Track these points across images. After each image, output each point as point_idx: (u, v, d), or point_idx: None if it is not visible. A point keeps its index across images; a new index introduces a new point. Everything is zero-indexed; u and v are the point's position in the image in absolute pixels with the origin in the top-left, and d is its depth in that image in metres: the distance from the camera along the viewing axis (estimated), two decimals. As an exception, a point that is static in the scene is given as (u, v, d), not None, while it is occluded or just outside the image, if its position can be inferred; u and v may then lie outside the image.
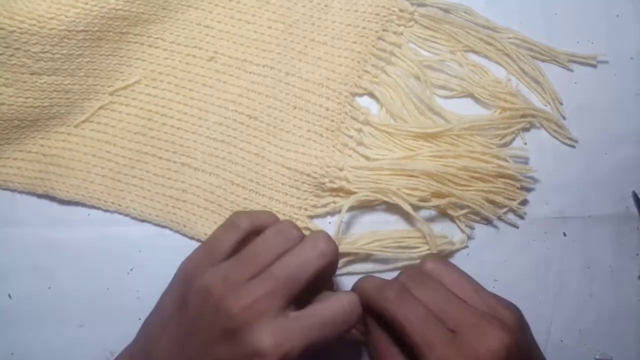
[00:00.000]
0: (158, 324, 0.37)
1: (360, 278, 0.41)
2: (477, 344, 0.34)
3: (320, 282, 0.37)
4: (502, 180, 0.45)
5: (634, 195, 0.47)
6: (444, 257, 0.41)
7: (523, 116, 0.46)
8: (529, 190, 0.46)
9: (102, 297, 0.44)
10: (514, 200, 0.45)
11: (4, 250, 0.45)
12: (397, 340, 0.38)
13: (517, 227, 0.46)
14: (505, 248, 0.46)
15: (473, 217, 0.45)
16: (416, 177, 0.44)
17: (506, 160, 0.45)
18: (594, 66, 0.48)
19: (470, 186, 0.45)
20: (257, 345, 0.33)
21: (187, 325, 0.35)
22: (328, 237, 0.37)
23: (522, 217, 0.46)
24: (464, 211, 0.45)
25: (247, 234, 0.38)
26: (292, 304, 0.35)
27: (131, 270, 0.45)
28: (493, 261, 0.45)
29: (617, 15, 0.49)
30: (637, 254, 0.47)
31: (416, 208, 0.44)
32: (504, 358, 0.34)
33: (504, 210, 0.45)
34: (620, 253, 0.46)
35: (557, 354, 0.43)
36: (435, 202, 0.44)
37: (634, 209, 0.47)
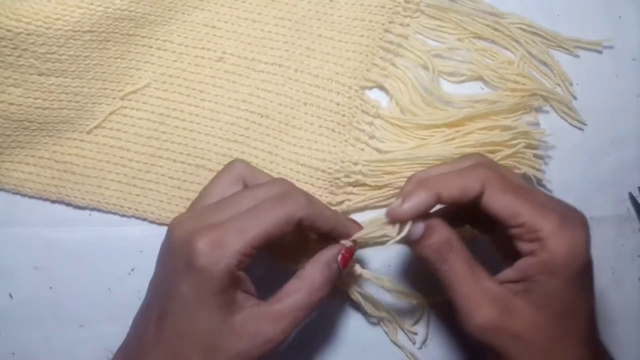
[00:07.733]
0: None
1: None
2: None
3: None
4: (517, 150, 0.44)
5: (631, 197, 0.47)
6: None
7: (533, 96, 0.46)
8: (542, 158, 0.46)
9: (103, 297, 0.44)
10: (532, 167, 0.45)
11: (5, 250, 0.45)
12: None
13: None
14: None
15: None
16: (431, 163, 0.44)
17: (518, 128, 0.44)
18: (600, 51, 0.48)
19: None
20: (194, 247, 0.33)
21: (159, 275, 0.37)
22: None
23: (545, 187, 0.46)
24: None
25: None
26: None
27: (132, 270, 0.45)
28: (494, 262, 0.45)
29: (619, 17, 0.49)
30: (638, 256, 0.47)
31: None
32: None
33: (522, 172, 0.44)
34: (621, 254, 0.46)
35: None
36: None
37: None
